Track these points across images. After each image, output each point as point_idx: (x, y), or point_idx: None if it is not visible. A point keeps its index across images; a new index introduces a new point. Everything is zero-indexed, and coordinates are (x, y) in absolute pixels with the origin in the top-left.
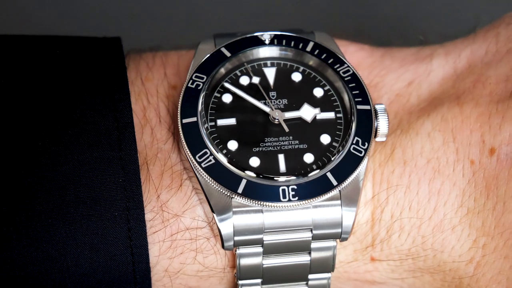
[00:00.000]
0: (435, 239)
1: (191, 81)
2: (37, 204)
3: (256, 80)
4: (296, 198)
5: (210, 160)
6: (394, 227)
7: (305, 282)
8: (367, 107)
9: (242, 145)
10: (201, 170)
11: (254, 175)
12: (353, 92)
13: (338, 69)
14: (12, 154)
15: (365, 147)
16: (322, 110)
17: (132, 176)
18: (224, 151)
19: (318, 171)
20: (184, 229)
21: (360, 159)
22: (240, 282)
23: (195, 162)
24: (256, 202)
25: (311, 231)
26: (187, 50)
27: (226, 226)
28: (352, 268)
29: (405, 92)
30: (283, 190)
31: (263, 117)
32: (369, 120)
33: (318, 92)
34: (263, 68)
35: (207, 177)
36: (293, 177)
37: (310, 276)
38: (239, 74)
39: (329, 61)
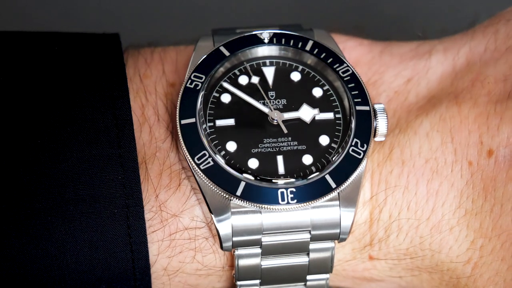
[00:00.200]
0: (433, 240)
1: (189, 80)
2: (36, 202)
3: (255, 79)
4: (295, 201)
5: (209, 162)
6: (392, 227)
7: (303, 283)
8: (367, 107)
9: (241, 146)
10: (200, 172)
11: (253, 177)
12: (353, 93)
13: (337, 69)
14: (11, 152)
15: (364, 149)
16: (321, 111)
17: (131, 174)
18: (223, 153)
19: (317, 173)
20: (182, 228)
21: (359, 161)
22: (239, 283)
23: (193, 164)
24: (255, 204)
25: (310, 232)
26: (185, 45)
27: (225, 227)
28: (350, 266)
29: (404, 89)
30: (282, 193)
31: (262, 117)
32: (368, 121)
33: (317, 92)
34: (262, 67)
35: (205, 179)
36: (292, 180)
37: (309, 277)
38: (238, 73)
39: (328, 61)
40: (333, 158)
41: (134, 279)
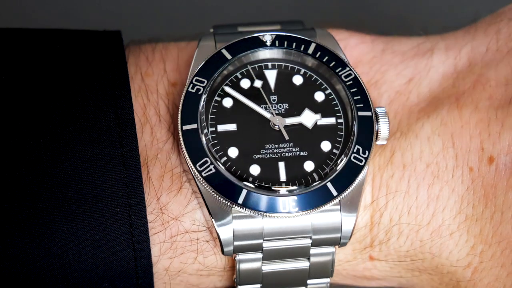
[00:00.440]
0: (433, 244)
1: (191, 85)
2: (39, 201)
3: (256, 83)
4: (297, 209)
5: (211, 170)
6: (393, 231)
7: (304, 287)
8: (369, 113)
9: (243, 152)
10: (201, 179)
11: (254, 186)
12: (355, 98)
13: (340, 73)
14: (13, 151)
15: (366, 156)
16: (323, 116)
17: (133, 173)
18: (224, 159)
19: (318, 182)
20: (184, 231)
21: (361, 168)
22: (240, 287)
23: (195, 171)
24: (256, 212)
25: (310, 237)
26: (186, 42)
27: (226, 231)
28: (351, 266)
29: (405, 89)
30: (283, 201)
31: (264, 123)
32: (370, 127)
33: (319, 96)
34: (264, 71)
35: (207, 186)
36: (293, 187)
37: (309, 281)
38: (239, 76)
39: (331, 64)
40: (335, 165)
41: (137, 277)
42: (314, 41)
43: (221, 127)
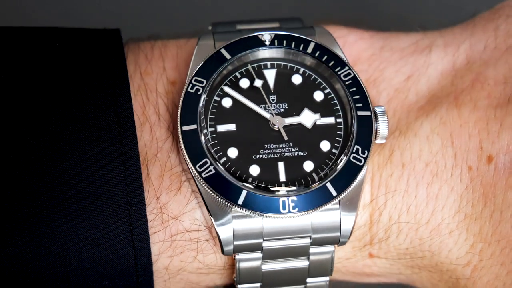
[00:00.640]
0: (432, 242)
1: (190, 85)
2: (39, 200)
3: (256, 83)
4: (296, 209)
5: (210, 170)
6: (392, 229)
7: (303, 286)
8: (368, 113)
9: (242, 152)
10: (201, 180)
11: (254, 186)
12: (354, 97)
13: (339, 73)
14: (13, 150)
15: (365, 156)
16: (322, 115)
17: (133, 171)
18: (224, 159)
19: (318, 182)
20: (183, 230)
21: (360, 168)
22: (240, 286)
23: (195, 172)
24: (256, 213)
25: (310, 237)
26: (185, 39)
27: (225, 231)
28: (350, 264)
29: (404, 87)
30: (283, 202)
31: (263, 122)
32: (369, 127)
33: (318, 95)
34: (263, 70)
35: (207, 187)
36: (293, 188)
37: (309, 280)
38: (239, 76)
39: (330, 64)
40: (334, 165)
41: (137, 275)
42: (313, 40)
43: (221, 127)
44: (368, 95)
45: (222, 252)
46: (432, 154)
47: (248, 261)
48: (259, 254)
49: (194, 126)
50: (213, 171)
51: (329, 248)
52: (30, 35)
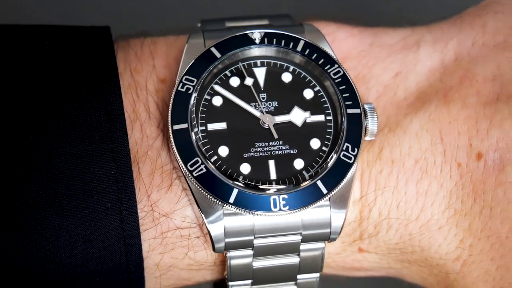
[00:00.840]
0: (422, 237)
1: (181, 84)
2: (30, 198)
3: (246, 81)
4: (287, 207)
5: (202, 169)
6: (382, 225)
7: (293, 282)
8: (357, 110)
9: (233, 151)
10: (193, 179)
11: (245, 185)
12: (344, 95)
13: (329, 71)
14: (4, 148)
15: (355, 153)
16: (312, 113)
17: (124, 168)
18: (215, 158)
19: (308, 180)
20: (174, 228)
21: (350, 166)
22: (231, 283)
23: (186, 171)
24: (247, 211)
25: (301, 234)
26: (175, 36)
27: (216, 228)
28: (341, 258)
29: (393, 84)
30: (274, 200)
31: (254, 121)
32: (359, 124)
33: (308, 93)
34: (253, 68)
35: (198, 185)
36: (284, 186)
37: (299, 276)
38: (229, 74)
39: (320, 62)
40: (325, 163)
41: (128, 271)
42: (302, 38)
43: (211, 126)
44: (357, 93)
45: (214, 249)
46: (421, 151)
47: (239, 258)
48: (250, 251)
49: (185, 125)
50: (204, 170)
51: (320, 244)
52: (20, 33)
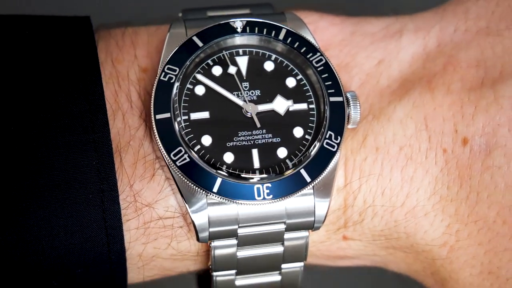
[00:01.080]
0: (407, 224)
1: (163, 73)
2: (11, 189)
3: (228, 70)
4: (271, 196)
5: (185, 159)
6: (367, 212)
7: (278, 271)
8: (340, 98)
9: (216, 140)
10: (176, 168)
11: (228, 174)
12: (326, 83)
13: (311, 59)
14: None
15: (338, 141)
16: (295, 102)
17: (106, 159)
18: (198, 147)
19: (292, 168)
20: (157, 218)
21: (333, 154)
22: (215, 273)
23: (169, 160)
24: (231, 200)
25: (285, 222)
26: (156, 26)
27: (200, 217)
28: (325, 247)
29: (376, 71)
30: (258, 189)
31: (237, 110)
32: (341, 112)
33: (290, 82)
34: (235, 57)
35: (181, 175)
36: (267, 175)
37: (283, 266)
38: (211, 63)
39: (302, 50)
40: (308, 152)
41: (110, 262)
42: (284, 26)
43: (194, 115)
44: (340, 80)
45: (198, 239)
46: (406, 137)
47: (223, 248)
48: (234, 241)
49: (167, 115)
50: (188, 159)
51: (304, 233)
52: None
